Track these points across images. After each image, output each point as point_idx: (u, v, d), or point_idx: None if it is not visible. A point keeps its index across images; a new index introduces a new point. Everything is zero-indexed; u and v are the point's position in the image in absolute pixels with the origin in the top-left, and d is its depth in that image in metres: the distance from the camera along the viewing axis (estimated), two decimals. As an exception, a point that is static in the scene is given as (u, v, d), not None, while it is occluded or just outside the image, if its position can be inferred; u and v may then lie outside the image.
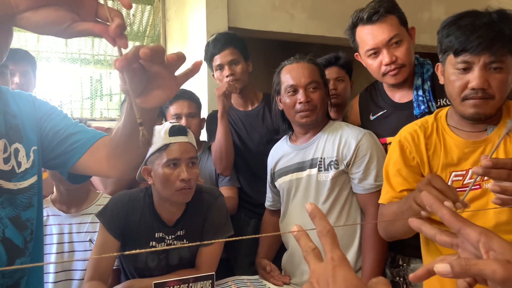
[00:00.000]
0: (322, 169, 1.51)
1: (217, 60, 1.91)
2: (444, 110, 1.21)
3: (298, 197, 1.57)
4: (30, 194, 0.95)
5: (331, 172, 1.48)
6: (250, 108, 2.00)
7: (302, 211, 1.54)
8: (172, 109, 1.97)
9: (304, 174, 1.55)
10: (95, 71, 3.44)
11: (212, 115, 2.06)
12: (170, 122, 1.46)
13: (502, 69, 1.03)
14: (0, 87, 0.97)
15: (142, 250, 0.55)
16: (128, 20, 3.38)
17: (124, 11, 3.35)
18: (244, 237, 0.65)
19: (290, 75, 1.55)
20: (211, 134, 1.99)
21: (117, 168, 0.98)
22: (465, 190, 1.05)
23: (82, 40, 3.28)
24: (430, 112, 1.39)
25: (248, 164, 1.93)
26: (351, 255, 1.48)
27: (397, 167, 1.19)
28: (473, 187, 1.07)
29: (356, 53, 1.55)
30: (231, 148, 1.88)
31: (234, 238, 0.65)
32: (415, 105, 1.43)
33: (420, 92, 1.44)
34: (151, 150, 1.42)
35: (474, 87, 1.03)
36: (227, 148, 1.86)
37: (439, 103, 1.42)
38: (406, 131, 1.22)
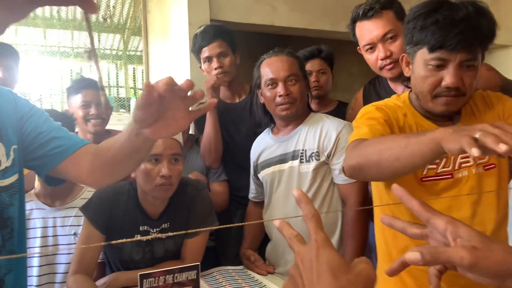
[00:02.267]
0: (304, 160, 1.53)
1: (206, 52, 1.91)
2: (405, 96, 1.17)
3: (281, 188, 1.60)
4: (10, 192, 0.95)
5: (313, 164, 1.51)
6: (237, 101, 2.01)
7: (285, 202, 1.57)
8: None
9: (286, 166, 1.57)
10: (75, 64, 3.39)
11: None
12: None
13: (474, 66, 1.01)
14: None
15: (128, 240, 0.56)
16: (108, 12, 3.34)
17: (103, 3, 3.31)
18: (228, 226, 0.66)
19: (269, 68, 1.56)
20: (199, 127, 2.00)
21: (100, 180, 0.99)
22: (438, 179, 1.08)
23: (62, 33, 3.23)
24: None
25: (235, 157, 1.94)
26: (333, 243, 1.51)
27: (377, 120, 1.08)
28: (445, 177, 1.07)
29: (358, 47, 1.58)
30: (220, 141, 1.89)
31: (218, 227, 0.67)
32: None
33: None
34: None
35: (449, 86, 1.00)
36: (216, 140, 1.87)
37: None
38: (381, 103, 1.16)
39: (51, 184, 1.63)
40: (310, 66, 2.09)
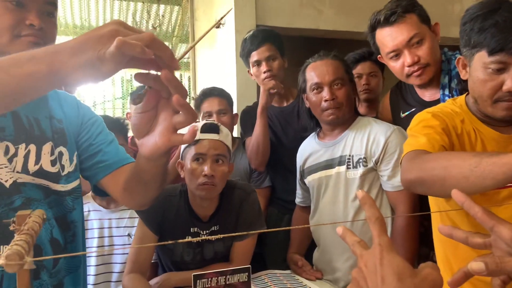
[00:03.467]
0: (351, 166, 1.51)
1: (255, 56, 1.93)
2: (461, 100, 1.13)
3: (327, 194, 1.58)
4: (73, 197, 0.99)
5: (360, 170, 1.48)
6: (285, 104, 2.01)
7: (332, 209, 1.56)
8: (203, 107, 2.01)
9: (333, 171, 1.55)
10: (125, 72, 3.53)
11: (246, 111, 2.09)
12: (206, 120, 1.50)
13: None
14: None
15: (180, 241, 0.58)
16: (158, 21, 3.46)
17: (153, 12, 3.43)
18: (275, 229, 0.68)
19: (314, 72, 1.55)
20: (245, 130, 2.03)
21: (128, 200, 1.00)
22: (500, 188, 1.01)
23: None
24: None
25: (282, 160, 1.95)
26: None
27: (434, 128, 1.04)
28: (508, 185, 1.00)
29: (379, 56, 1.53)
30: (268, 144, 1.90)
31: (267, 230, 0.68)
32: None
33: (447, 91, 1.39)
34: (185, 145, 1.47)
35: (511, 90, 0.95)
36: (264, 143, 1.88)
37: None
38: (437, 109, 1.11)
39: (98, 194, 1.71)
40: (360, 69, 2.06)
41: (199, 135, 1.44)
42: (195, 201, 1.49)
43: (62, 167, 0.96)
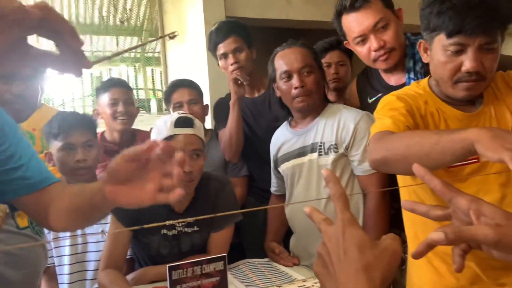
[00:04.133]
0: (323, 153, 1.53)
1: (221, 49, 1.93)
2: (424, 83, 1.16)
3: (301, 182, 1.60)
4: None
5: (331, 156, 1.51)
6: (256, 95, 2.01)
7: (306, 196, 1.57)
8: (173, 98, 1.99)
9: (305, 159, 1.57)
10: (94, 69, 3.46)
11: (219, 103, 2.09)
12: (178, 113, 1.48)
13: (494, 49, 0.99)
14: None
15: (155, 224, 0.58)
16: (125, 15, 3.39)
17: (120, 6, 3.36)
18: (249, 210, 0.68)
19: (283, 61, 1.55)
20: (219, 122, 2.02)
21: (59, 225, 0.93)
22: (465, 164, 1.06)
23: (81, 37, 3.30)
24: None
25: (257, 151, 1.95)
26: None
27: (399, 110, 1.06)
28: (471, 161, 1.05)
29: (345, 41, 1.54)
30: (242, 136, 1.91)
31: (243, 210, 0.68)
32: None
33: (412, 75, 1.42)
34: (158, 139, 1.44)
35: (469, 71, 0.99)
36: (238, 135, 1.88)
37: None
38: (401, 91, 1.14)
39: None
40: (329, 58, 2.07)
41: (172, 130, 1.41)
42: None
43: None
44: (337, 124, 1.52)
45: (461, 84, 1.02)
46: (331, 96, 2.04)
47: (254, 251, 1.86)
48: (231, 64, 1.91)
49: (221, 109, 2.01)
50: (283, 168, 1.66)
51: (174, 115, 1.47)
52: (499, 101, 1.10)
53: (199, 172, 1.44)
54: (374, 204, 1.47)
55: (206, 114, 2.08)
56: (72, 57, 0.51)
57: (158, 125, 1.47)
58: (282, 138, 1.67)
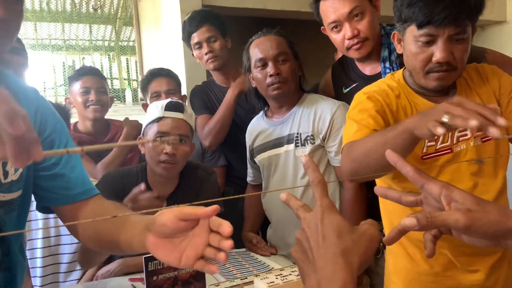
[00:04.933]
0: (299, 144, 1.53)
1: (195, 38, 1.91)
2: (399, 74, 1.18)
3: (277, 172, 1.60)
4: (6, 209, 0.85)
5: (308, 148, 1.51)
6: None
7: (283, 186, 1.58)
8: (151, 88, 1.96)
9: (282, 150, 1.57)
10: (67, 57, 3.36)
11: (196, 90, 2.06)
12: (171, 98, 1.51)
13: (464, 39, 1.01)
14: (9, 84, 0.85)
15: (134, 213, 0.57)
16: (98, 2, 3.30)
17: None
18: (226, 198, 0.68)
19: (258, 48, 1.54)
20: (196, 109, 2.00)
21: (84, 240, 0.92)
22: (438, 155, 1.09)
23: (52, 25, 3.20)
24: None
25: (236, 140, 1.94)
26: None
27: (368, 112, 1.10)
28: (444, 152, 1.09)
29: (322, 27, 1.54)
30: (228, 127, 1.89)
31: (221, 199, 0.68)
32: (383, 77, 1.42)
33: (387, 64, 1.44)
34: (148, 120, 1.47)
35: (439, 61, 1.01)
36: (227, 125, 1.87)
37: None
38: (374, 87, 1.15)
39: (41, 211, 1.59)
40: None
41: (162, 112, 1.43)
42: (154, 179, 1.47)
43: (6, 173, 0.82)
44: (314, 114, 1.52)
45: (432, 74, 1.05)
46: None
47: (233, 241, 1.85)
48: (206, 54, 1.89)
49: (197, 97, 2.00)
50: (259, 158, 1.66)
51: (166, 100, 1.48)
52: (472, 91, 1.12)
53: (183, 157, 1.44)
54: (351, 195, 1.48)
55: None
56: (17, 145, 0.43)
57: (150, 108, 1.50)
58: (258, 128, 1.67)
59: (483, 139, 1.10)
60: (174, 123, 1.43)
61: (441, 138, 1.10)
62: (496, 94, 1.12)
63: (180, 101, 1.51)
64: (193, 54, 2.00)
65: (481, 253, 1.11)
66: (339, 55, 1.49)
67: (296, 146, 1.53)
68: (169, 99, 1.49)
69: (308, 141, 1.51)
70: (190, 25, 1.91)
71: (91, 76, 1.97)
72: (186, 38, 1.96)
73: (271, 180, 1.63)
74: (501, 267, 1.14)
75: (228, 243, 0.64)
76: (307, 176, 1.48)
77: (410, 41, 1.05)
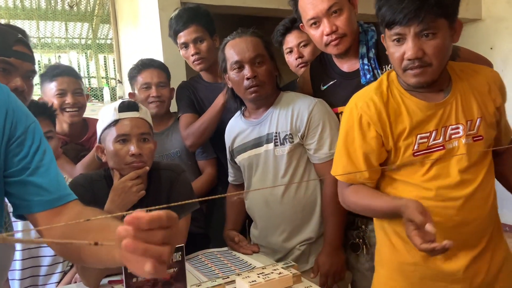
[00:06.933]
0: (278, 143, 1.53)
1: (181, 38, 1.88)
2: (394, 74, 1.22)
3: (258, 172, 1.60)
4: None
5: (287, 146, 1.51)
6: (220, 81, 1.97)
7: (264, 186, 1.58)
8: (141, 78, 1.92)
9: (262, 149, 1.57)
10: (43, 56, 3.30)
11: (182, 87, 2.03)
12: (122, 99, 1.45)
13: (435, 34, 1.05)
14: None
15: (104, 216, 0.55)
16: (74, 0, 3.24)
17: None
18: (205, 199, 0.67)
19: (234, 50, 1.51)
20: (181, 106, 1.97)
21: (59, 251, 0.87)
22: (430, 152, 1.15)
23: (26, 23, 3.12)
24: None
25: (221, 137, 1.93)
26: (314, 222, 1.55)
27: (358, 144, 1.19)
28: (437, 149, 1.15)
29: (301, 24, 1.54)
30: (213, 130, 1.85)
31: (199, 199, 0.67)
32: (361, 74, 1.45)
33: (366, 61, 1.45)
34: (102, 126, 1.41)
35: (410, 58, 1.06)
36: (211, 129, 1.84)
37: (384, 69, 1.44)
38: (362, 101, 1.20)
39: (18, 219, 1.55)
40: (288, 41, 1.95)
41: (117, 115, 1.38)
42: None
43: None
44: (291, 113, 1.52)
45: (409, 72, 1.09)
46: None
47: (219, 240, 1.85)
48: (192, 55, 1.87)
49: (183, 94, 1.97)
50: (239, 159, 1.65)
51: (118, 101, 1.44)
52: (467, 88, 1.16)
53: (150, 155, 1.42)
54: (332, 191, 1.49)
55: (172, 98, 2.04)
56: None
57: (101, 113, 1.44)
58: (237, 129, 1.65)
59: (474, 139, 1.15)
60: (132, 122, 1.38)
61: (433, 135, 1.15)
62: (490, 91, 1.17)
63: (133, 100, 1.47)
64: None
65: (463, 244, 1.16)
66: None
67: (275, 145, 1.53)
68: (120, 100, 1.44)
69: (287, 140, 1.51)
70: (177, 23, 1.87)
71: (66, 76, 1.89)
72: (172, 35, 1.92)
73: (252, 179, 1.63)
74: (483, 258, 1.18)
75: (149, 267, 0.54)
76: (288, 175, 1.52)
77: (388, 41, 1.12)
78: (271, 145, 1.54)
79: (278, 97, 1.59)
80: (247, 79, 1.49)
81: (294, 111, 1.52)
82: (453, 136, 1.14)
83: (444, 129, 1.14)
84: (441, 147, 1.14)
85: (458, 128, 1.14)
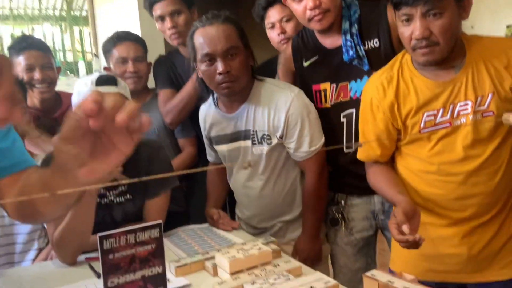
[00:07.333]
0: (256, 142, 1.49)
1: (157, 10, 1.80)
2: (408, 55, 1.23)
3: (239, 164, 1.58)
4: None
5: (265, 147, 1.47)
6: None
7: (246, 178, 1.58)
8: (117, 52, 1.84)
9: (240, 144, 1.53)
10: (15, 28, 3.17)
11: (159, 61, 1.97)
12: (99, 72, 1.37)
13: (442, 14, 1.07)
14: None
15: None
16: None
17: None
18: (185, 172, 0.65)
19: (204, 41, 1.37)
20: (159, 81, 1.92)
21: (21, 216, 0.85)
22: (437, 129, 1.18)
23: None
24: (358, 57, 1.40)
25: None
26: (293, 209, 1.57)
27: (370, 124, 1.29)
28: (443, 126, 1.17)
29: None
30: (193, 105, 1.79)
31: (177, 173, 0.65)
32: (344, 50, 1.42)
33: (348, 37, 1.42)
34: (77, 100, 1.35)
35: (417, 38, 1.09)
36: (190, 104, 1.79)
37: (367, 45, 1.42)
38: (373, 84, 1.27)
39: None
40: (270, 16, 1.80)
41: (94, 89, 1.31)
42: None
43: None
44: (267, 112, 1.45)
45: (418, 51, 1.13)
46: None
47: (201, 219, 1.84)
48: (168, 29, 1.80)
49: (161, 69, 1.91)
50: (218, 149, 1.61)
51: (95, 74, 1.37)
52: (481, 67, 1.14)
53: None
54: (313, 182, 1.49)
55: (149, 73, 1.98)
56: None
57: (77, 86, 1.36)
58: (211, 118, 1.58)
59: (483, 114, 1.15)
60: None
61: (440, 112, 1.17)
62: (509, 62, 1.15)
63: (111, 74, 1.39)
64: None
65: (467, 215, 1.20)
66: None
67: (253, 143, 1.49)
68: (97, 73, 1.36)
69: (265, 140, 1.47)
70: None
71: (34, 50, 1.80)
72: (148, 7, 1.83)
73: (235, 166, 1.60)
74: (486, 230, 1.21)
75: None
76: (267, 172, 1.51)
77: (398, 22, 1.15)
78: (248, 142, 1.50)
79: (254, 89, 1.49)
80: (220, 74, 1.37)
81: (271, 110, 1.44)
82: (461, 113, 1.16)
83: (452, 106, 1.16)
84: (448, 124, 1.17)
85: (467, 104, 1.15)
